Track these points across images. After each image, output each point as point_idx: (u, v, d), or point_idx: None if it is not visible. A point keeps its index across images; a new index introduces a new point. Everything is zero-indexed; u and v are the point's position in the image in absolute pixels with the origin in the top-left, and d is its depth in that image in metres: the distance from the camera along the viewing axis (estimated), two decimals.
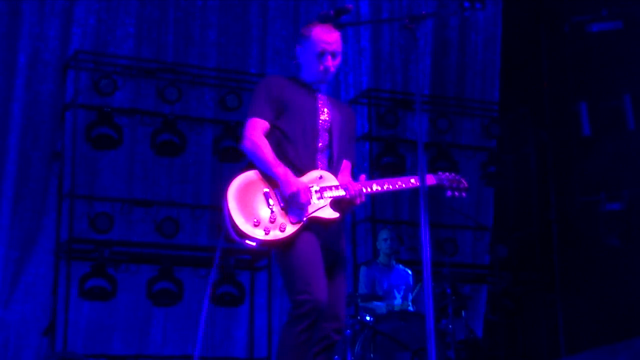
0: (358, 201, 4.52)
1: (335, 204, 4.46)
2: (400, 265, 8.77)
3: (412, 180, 4.66)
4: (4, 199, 8.95)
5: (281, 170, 4.36)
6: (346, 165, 4.71)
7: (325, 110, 4.62)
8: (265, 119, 4.50)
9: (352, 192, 4.48)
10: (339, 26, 4.50)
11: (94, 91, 9.11)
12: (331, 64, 4.58)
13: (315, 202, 4.39)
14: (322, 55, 4.56)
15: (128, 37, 9.75)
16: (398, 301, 8.48)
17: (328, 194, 4.44)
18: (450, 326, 7.84)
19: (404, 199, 10.78)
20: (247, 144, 4.49)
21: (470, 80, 11.30)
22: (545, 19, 10.68)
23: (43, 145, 9.24)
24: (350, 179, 4.68)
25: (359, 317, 7.65)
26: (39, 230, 9.12)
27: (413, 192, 10.62)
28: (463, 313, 8.66)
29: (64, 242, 8.81)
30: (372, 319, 7.65)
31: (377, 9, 11.01)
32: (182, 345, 9.52)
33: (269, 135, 4.51)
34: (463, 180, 4.95)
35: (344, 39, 10.72)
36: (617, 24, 9.73)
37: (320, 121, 4.56)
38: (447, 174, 4.90)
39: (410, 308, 8.43)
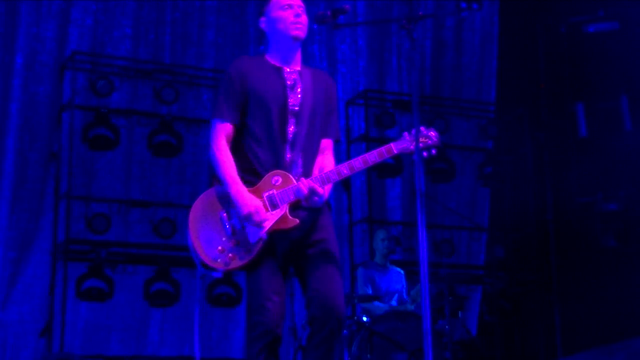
0: (315, 199, 4.26)
1: (296, 206, 4.29)
2: (394, 267, 8.78)
3: (382, 151, 4.33)
4: (1, 199, 8.96)
5: (234, 188, 4.21)
6: (326, 144, 4.51)
7: (297, 89, 4.40)
8: (228, 121, 4.34)
9: (305, 192, 4.24)
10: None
11: (91, 92, 9.12)
12: (301, 19, 4.40)
13: (271, 214, 4.22)
14: (289, 6, 4.40)
15: (125, 38, 9.76)
16: (394, 302, 8.48)
17: (283, 200, 4.25)
18: (447, 327, 7.84)
19: (401, 200, 10.79)
20: (210, 153, 4.35)
21: (467, 80, 11.31)
22: (542, 19, 10.69)
23: (40, 146, 9.25)
24: (331, 159, 4.49)
25: (355, 318, 7.66)
26: (36, 231, 9.13)
27: (411, 192, 10.67)
28: (460, 314, 8.67)
29: (61, 243, 8.82)
30: (368, 319, 7.65)
31: (374, 9, 11.01)
32: (179, 346, 9.53)
33: (236, 135, 4.36)
34: (431, 134, 4.42)
35: (341, 40, 10.82)
36: (613, 24, 9.74)
37: (290, 106, 4.35)
38: (414, 132, 4.30)
39: (410, 306, 8.41)
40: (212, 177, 4.38)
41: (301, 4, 4.46)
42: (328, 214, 4.46)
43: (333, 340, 4.28)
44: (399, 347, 7.52)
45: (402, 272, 8.73)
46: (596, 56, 9.87)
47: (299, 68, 4.49)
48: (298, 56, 4.50)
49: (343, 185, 9.48)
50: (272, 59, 4.48)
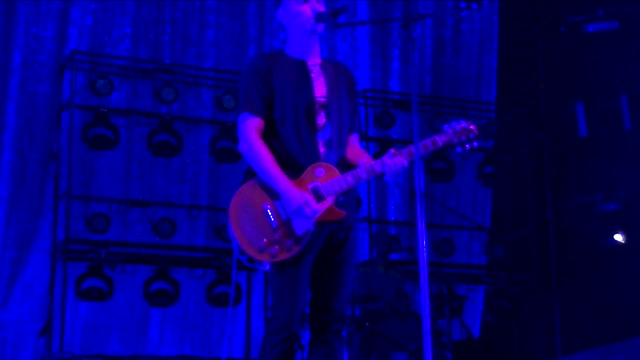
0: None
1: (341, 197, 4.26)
2: (391, 270, 8.71)
3: (427, 144, 4.31)
4: (0, 199, 8.95)
5: (282, 183, 4.14)
6: (355, 139, 4.50)
7: (321, 80, 4.37)
8: (258, 115, 4.26)
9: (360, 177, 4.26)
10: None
11: (90, 92, 9.13)
12: (319, 8, 4.37)
13: (318, 206, 4.18)
14: (305, 0, 4.37)
15: (125, 38, 9.75)
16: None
17: (329, 192, 4.21)
18: (445, 327, 7.83)
19: (400, 199, 10.79)
20: (244, 147, 4.27)
21: (467, 80, 11.31)
22: (542, 19, 10.69)
23: (39, 146, 9.24)
24: (360, 151, 4.48)
25: (355, 318, 7.65)
26: (35, 231, 9.12)
27: (410, 192, 10.67)
28: (459, 314, 8.65)
29: (61, 242, 8.81)
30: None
31: (375, 8, 11.01)
32: (179, 346, 9.53)
33: (265, 129, 4.29)
34: (472, 127, 4.38)
35: (342, 38, 10.82)
36: (613, 24, 9.73)
37: (317, 98, 4.32)
38: (455, 124, 4.38)
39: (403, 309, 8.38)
40: (247, 172, 4.32)
41: None
42: (356, 211, 4.46)
43: (334, 341, 4.29)
44: (399, 347, 7.51)
45: (399, 274, 8.63)
46: (596, 56, 9.86)
47: (319, 61, 4.45)
48: (317, 49, 4.46)
49: None
50: (292, 53, 4.43)
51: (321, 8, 4.40)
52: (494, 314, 10.35)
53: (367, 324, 7.54)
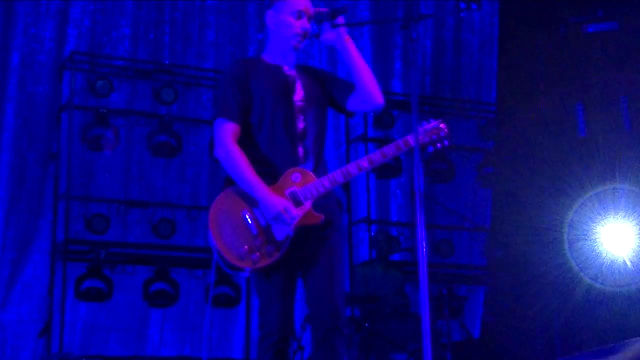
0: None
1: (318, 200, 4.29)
2: (391, 270, 8.73)
3: (399, 143, 4.32)
4: None
5: (260, 190, 4.17)
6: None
7: (297, 85, 4.42)
8: (234, 120, 4.29)
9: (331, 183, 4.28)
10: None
11: (89, 92, 9.13)
12: (309, 27, 4.41)
13: (297, 211, 4.21)
14: (300, 15, 4.40)
15: (124, 38, 9.75)
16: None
17: (307, 196, 4.24)
18: (445, 327, 7.83)
19: (400, 200, 10.79)
20: (220, 153, 4.29)
21: (467, 81, 11.31)
22: (542, 19, 10.68)
23: (39, 147, 9.24)
24: None
25: (355, 318, 7.65)
26: (35, 231, 9.12)
27: (411, 193, 10.66)
28: (460, 314, 8.66)
29: (60, 243, 8.82)
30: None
31: (376, 9, 11.00)
32: (179, 346, 9.53)
33: (241, 135, 4.32)
34: (442, 126, 4.42)
35: None
36: (613, 24, 9.73)
37: (295, 103, 4.37)
38: (424, 124, 4.43)
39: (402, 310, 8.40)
40: (225, 180, 4.32)
41: (312, 13, 4.45)
42: (338, 211, 4.47)
43: (333, 339, 4.28)
44: (399, 347, 7.51)
45: (399, 274, 8.65)
46: (596, 57, 9.85)
47: (294, 65, 4.51)
48: (294, 59, 4.51)
49: (342, 185, 9.46)
50: (269, 58, 4.48)
51: (310, 27, 4.42)
52: (494, 314, 10.34)
53: (366, 324, 7.54)
